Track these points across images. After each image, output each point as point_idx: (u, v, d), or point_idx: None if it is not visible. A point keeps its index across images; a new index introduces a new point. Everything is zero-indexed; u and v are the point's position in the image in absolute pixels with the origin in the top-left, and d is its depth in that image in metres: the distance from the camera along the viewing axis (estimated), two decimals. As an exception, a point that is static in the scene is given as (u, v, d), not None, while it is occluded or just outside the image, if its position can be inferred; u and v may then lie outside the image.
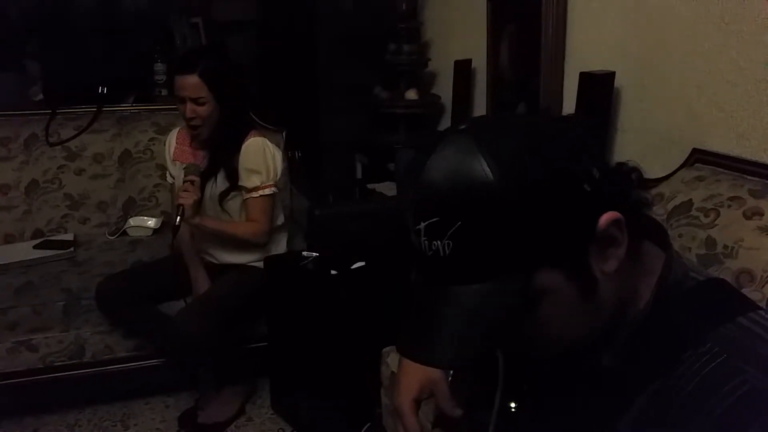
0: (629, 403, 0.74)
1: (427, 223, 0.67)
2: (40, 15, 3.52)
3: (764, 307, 0.78)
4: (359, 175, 3.27)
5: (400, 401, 1.10)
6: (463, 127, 0.70)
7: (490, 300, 0.67)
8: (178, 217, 2.19)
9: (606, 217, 0.69)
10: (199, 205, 2.28)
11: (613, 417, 0.75)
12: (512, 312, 0.68)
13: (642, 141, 2.00)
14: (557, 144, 0.70)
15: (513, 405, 0.88)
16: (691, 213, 1.58)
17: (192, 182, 2.26)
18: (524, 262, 0.67)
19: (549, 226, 0.66)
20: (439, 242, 0.66)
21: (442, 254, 0.66)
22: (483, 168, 0.65)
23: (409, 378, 1.11)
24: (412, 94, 3.00)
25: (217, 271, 2.44)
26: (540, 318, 0.70)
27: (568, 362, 0.79)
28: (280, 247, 2.53)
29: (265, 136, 2.40)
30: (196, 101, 2.23)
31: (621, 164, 0.77)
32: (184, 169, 2.36)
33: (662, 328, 0.74)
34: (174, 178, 2.50)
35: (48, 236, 2.89)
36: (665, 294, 0.76)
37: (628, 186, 0.76)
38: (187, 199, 2.21)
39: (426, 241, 0.67)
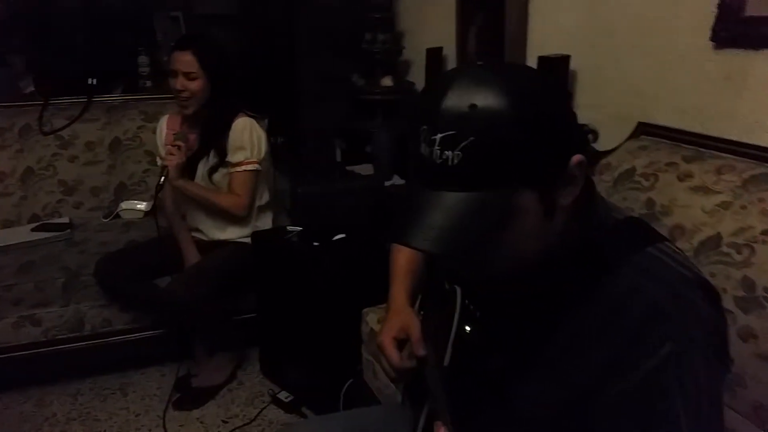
0: (560, 321, 0.90)
1: (444, 134, 0.78)
2: (23, 10, 3.56)
3: (681, 249, 0.95)
4: (338, 158, 3.39)
5: (382, 338, 1.24)
6: (480, 63, 0.85)
7: (473, 205, 0.80)
8: (162, 178, 2.36)
9: (577, 158, 0.84)
10: (183, 169, 2.43)
11: (548, 333, 0.92)
12: (488, 218, 0.80)
13: (595, 117, 2.13)
14: (551, 87, 0.86)
15: (468, 328, 1.04)
16: (634, 179, 1.76)
17: (179, 147, 2.41)
18: (513, 180, 0.79)
19: (541, 152, 0.79)
20: (450, 152, 0.78)
21: (450, 163, 0.78)
22: (499, 95, 0.77)
23: (390, 321, 1.27)
24: (387, 81, 3.14)
25: (207, 247, 2.57)
26: (506, 231, 0.84)
27: (511, 289, 0.96)
28: (266, 224, 2.67)
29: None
30: (187, 76, 2.40)
31: (582, 124, 0.95)
32: (174, 135, 2.50)
33: (587, 258, 0.91)
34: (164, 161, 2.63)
35: (44, 220, 3.00)
36: (592, 230, 0.92)
37: (587, 139, 0.93)
38: (171, 161, 2.37)
39: (439, 150, 0.79)
